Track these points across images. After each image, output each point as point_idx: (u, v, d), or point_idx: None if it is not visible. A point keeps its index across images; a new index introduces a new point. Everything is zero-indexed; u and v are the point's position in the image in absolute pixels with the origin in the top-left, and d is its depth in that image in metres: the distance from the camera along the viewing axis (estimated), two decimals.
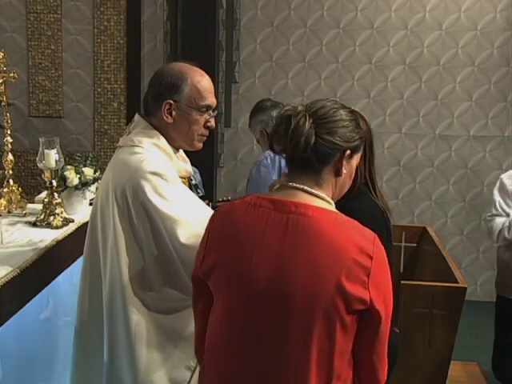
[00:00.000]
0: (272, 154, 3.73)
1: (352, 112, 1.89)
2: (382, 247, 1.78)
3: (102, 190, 2.41)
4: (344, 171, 1.85)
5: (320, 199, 1.82)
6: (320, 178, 1.83)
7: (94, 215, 2.43)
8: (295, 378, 1.74)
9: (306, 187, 1.81)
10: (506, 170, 5.83)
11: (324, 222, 1.75)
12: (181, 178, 2.50)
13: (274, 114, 3.93)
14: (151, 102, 2.41)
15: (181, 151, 2.53)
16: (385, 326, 1.78)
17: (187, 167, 2.51)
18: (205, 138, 2.47)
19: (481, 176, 5.93)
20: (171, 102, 2.36)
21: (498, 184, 3.97)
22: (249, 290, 1.78)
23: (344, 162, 1.84)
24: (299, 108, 1.82)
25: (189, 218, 2.25)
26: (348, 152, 1.83)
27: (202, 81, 2.40)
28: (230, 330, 1.83)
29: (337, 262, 1.70)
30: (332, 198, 1.86)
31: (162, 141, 2.38)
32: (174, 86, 2.37)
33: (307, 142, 1.76)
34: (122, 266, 2.30)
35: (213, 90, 2.43)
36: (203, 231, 1.97)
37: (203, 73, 2.43)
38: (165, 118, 2.37)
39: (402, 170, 5.79)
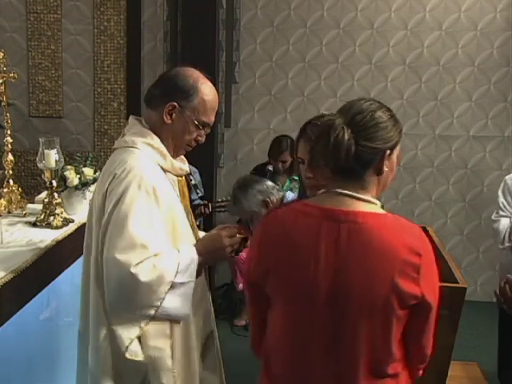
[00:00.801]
0: None
1: (388, 109, 1.93)
2: (428, 241, 1.88)
3: (95, 192, 2.45)
4: (386, 169, 1.90)
5: (366, 202, 1.89)
6: (364, 181, 1.89)
7: (89, 216, 2.46)
8: (354, 373, 1.86)
9: (352, 193, 1.87)
10: (506, 170, 5.84)
11: (374, 226, 1.83)
12: (176, 176, 2.51)
13: (269, 182, 3.85)
14: (158, 96, 2.42)
15: None
16: (434, 313, 1.91)
17: (183, 166, 2.51)
18: (189, 149, 2.49)
19: (481, 176, 5.93)
20: (176, 105, 2.37)
21: (501, 185, 3.96)
22: (307, 296, 1.86)
23: (386, 162, 1.89)
24: (336, 121, 1.84)
25: (139, 239, 2.21)
26: (388, 152, 1.88)
27: (211, 98, 2.43)
28: (291, 332, 1.92)
29: (389, 264, 1.80)
30: (377, 194, 1.94)
31: (156, 140, 2.39)
32: (186, 91, 2.38)
33: (348, 154, 1.82)
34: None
35: (216, 108, 2.47)
36: (139, 259, 2.16)
37: (214, 89, 2.46)
38: (164, 117, 2.38)
39: (402, 170, 5.79)
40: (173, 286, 2.24)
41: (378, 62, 5.82)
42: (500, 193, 3.92)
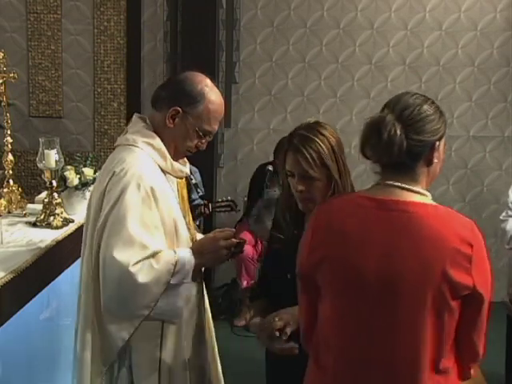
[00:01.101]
0: None
1: (432, 102, 1.97)
2: (480, 234, 1.89)
3: (94, 189, 2.46)
4: (435, 160, 1.94)
5: (418, 194, 1.92)
6: (415, 173, 1.93)
7: (87, 214, 2.46)
8: (407, 362, 1.88)
9: (403, 185, 1.91)
10: (506, 171, 5.84)
11: (424, 216, 1.87)
12: (176, 177, 2.51)
13: None
14: (164, 98, 2.40)
15: None
16: (486, 307, 1.91)
17: (183, 168, 2.50)
18: (189, 154, 2.48)
19: (481, 176, 5.93)
20: (180, 110, 2.36)
21: None
22: (360, 283, 1.90)
23: (435, 153, 1.93)
24: (387, 117, 1.87)
25: (135, 236, 2.22)
26: (437, 143, 1.92)
27: (217, 107, 2.42)
28: (342, 321, 1.95)
29: (441, 253, 1.83)
30: (427, 185, 1.98)
31: (157, 140, 2.38)
32: (192, 97, 2.37)
33: (400, 149, 1.86)
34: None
35: (220, 118, 2.45)
36: (137, 258, 2.19)
37: (221, 98, 2.44)
38: (167, 121, 2.37)
39: None
40: (168, 287, 2.25)
41: (378, 62, 5.82)
42: (510, 192, 3.89)
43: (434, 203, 1.94)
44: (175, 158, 2.45)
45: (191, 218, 2.64)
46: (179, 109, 2.36)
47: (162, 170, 2.40)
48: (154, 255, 2.23)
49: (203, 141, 2.44)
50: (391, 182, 1.93)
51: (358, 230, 1.92)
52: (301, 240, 2.05)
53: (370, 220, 1.91)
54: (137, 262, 2.19)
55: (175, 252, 2.31)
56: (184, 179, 2.61)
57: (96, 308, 2.32)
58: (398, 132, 1.85)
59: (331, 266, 1.95)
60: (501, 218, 3.90)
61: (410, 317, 1.87)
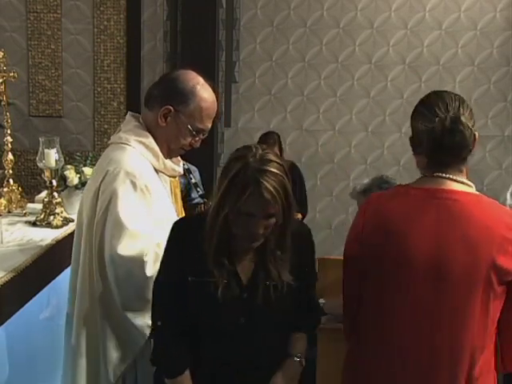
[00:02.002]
0: None
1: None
2: None
3: (87, 188, 2.47)
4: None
5: (464, 184, 2.05)
6: (462, 165, 2.07)
7: (79, 211, 2.47)
8: (451, 347, 1.95)
9: (452, 176, 2.03)
10: (506, 170, 5.84)
11: (470, 203, 1.98)
12: (169, 176, 2.51)
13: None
14: (156, 97, 2.40)
15: None
16: None
17: (176, 167, 2.50)
18: (183, 152, 2.48)
19: (481, 176, 5.93)
20: (171, 108, 2.35)
21: (510, 189, 3.90)
22: (411, 269, 1.96)
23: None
24: (462, 119, 1.98)
25: (140, 230, 2.25)
26: (476, 134, 2.03)
27: (209, 105, 2.40)
28: (390, 307, 2.01)
29: (488, 239, 1.90)
30: (467, 176, 2.11)
31: (150, 139, 2.38)
32: (183, 95, 2.35)
33: (471, 144, 2.02)
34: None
35: (213, 115, 2.43)
36: (147, 248, 2.20)
37: (213, 95, 2.42)
38: (159, 120, 2.37)
39: (402, 170, 5.79)
40: None
41: (378, 61, 5.82)
42: (508, 195, 3.88)
43: (478, 193, 2.04)
44: (169, 156, 2.45)
45: None
46: (171, 107, 2.35)
47: (155, 169, 2.40)
48: (158, 244, 2.25)
49: (196, 138, 2.43)
50: (439, 174, 2.02)
51: (406, 218, 1.99)
52: (351, 227, 2.11)
53: (418, 208, 1.99)
54: (148, 253, 2.23)
55: None
56: (177, 178, 2.61)
57: (109, 303, 2.31)
58: (472, 128, 1.99)
59: (382, 255, 2.01)
60: None
61: (457, 302, 1.93)
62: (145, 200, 2.28)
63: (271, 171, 1.89)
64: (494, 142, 5.88)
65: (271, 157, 1.93)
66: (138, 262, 2.22)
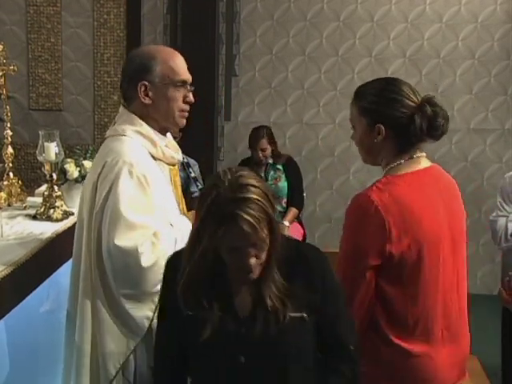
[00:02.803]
0: None
1: None
2: None
3: (86, 181, 2.47)
4: None
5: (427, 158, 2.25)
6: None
7: (80, 205, 2.47)
8: (462, 307, 2.30)
9: (423, 153, 2.23)
10: (506, 163, 5.84)
11: (443, 173, 2.29)
12: (168, 164, 2.51)
13: None
14: (127, 88, 2.42)
15: (171, 139, 2.55)
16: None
17: (174, 154, 2.51)
18: (186, 114, 2.46)
19: (481, 169, 5.93)
20: (146, 83, 2.36)
21: (500, 184, 3.91)
22: (442, 246, 2.18)
23: None
24: (438, 102, 2.22)
25: (138, 221, 2.25)
26: None
27: (173, 57, 2.41)
28: (429, 286, 2.16)
29: (459, 200, 2.35)
30: None
31: (145, 127, 2.39)
32: (144, 67, 2.36)
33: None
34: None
35: (186, 66, 2.43)
36: (143, 239, 2.21)
37: (173, 51, 2.44)
38: (142, 100, 2.37)
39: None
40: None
41: (379, 54, 5.81)
42: (498, 192, 3.89)
43: None
44: (176, 125, 2.45)
45: (185, 206, 2.65)
46: (145, 82, 2.36)
47: (154, 158, 2.41)
48: (155, 234, 2.26)
49: (185, 92, 2.42)
50: (419, 154, 2.21)
51: (421, 204, 2.13)
52: (370, 231, 2.08)
53: (427, 191, 2.17)
54: (143, 244, 2.23)
55: (172, 225, 2.36)
56: (176, 167, 2.61)
57: (107, 296, 2.32)
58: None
59: (414, 245, 2.10)
60: (490, 218, 3.85)
61: (461, 269, 2.29)
62: (143, 190, 2.29)
63: (247, 198, 1.69)
64: (494, 135, 5.88)
65: (245, 179, 1.72)
66: (134, 253, 2.22)
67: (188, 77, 2.43)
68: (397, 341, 2.13)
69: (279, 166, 5.32)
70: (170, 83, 2.38)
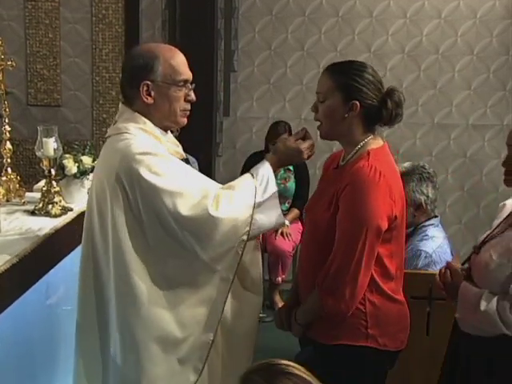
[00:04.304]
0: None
1: None
2: None
3: (95, 181, 2.43)
4: None
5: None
6: None
7: (90, 206, 2.45)
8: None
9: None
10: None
11: None
12: None
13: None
14: (127, 87, 2.41)
15: (170, 136, 2.54)
16: None
17: (177, 149, 2.52)
18: (188, 113, 2.47)
19: (479, 165, 5.93)
20: (148, 82, 2.35)
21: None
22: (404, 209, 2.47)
23: None
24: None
25: (187, 189, 2.28)
26: None
27: (175, 56, 2.40)
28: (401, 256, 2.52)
29: None
30: None
31: (149, 124, 2.38)
32: (147, 66, 2.35)
33: None
34: (126, 251, 2.31)
35: (186, 64, 2.43)
36: (203, 199, 2.24)
37: (174, 48, 2.44)
38: (144, 99, 2.36)
39: (401, 159, 5.77)
40: (257, 205, 2.32)
41: (377, 50, 5.81)
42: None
43: None
44: (176, 123, 2.46)
45: None
46: (147, 82, 2.35)
47: None
48: (226, 188, 2.34)
49: (186, 91, 2.43)
50: (378, 135, 2.47)
51: (395, 171, 2.44)
52: (379, 202, 2.30)
53: (393, 162, 2.48)
54: (212, 203, 2.26)
55: (252, 174, 2.39)
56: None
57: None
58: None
59: (402, 207, 2.42)
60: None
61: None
62: (171, 161, 2.33)
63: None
64: (492, 131, 5.87)
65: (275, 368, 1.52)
66: (206, 216, 2.25)
67: (189, 75, 2.43)
68: (388, 291, 2.44)
69: (290, 167, 5.32)
70: (172, 83, 2.37)
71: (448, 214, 5.96)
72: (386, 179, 2.30)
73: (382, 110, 2.34)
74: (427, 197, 3.49)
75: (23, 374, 2.88)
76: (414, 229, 3.51)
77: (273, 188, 2.36)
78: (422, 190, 3.48)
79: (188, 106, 2.45)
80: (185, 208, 2.24)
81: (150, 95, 2.36)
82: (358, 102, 2.33)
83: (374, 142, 2.42)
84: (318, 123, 2.46)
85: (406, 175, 3.45)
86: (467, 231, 5.94)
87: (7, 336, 2.66)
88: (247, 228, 2.30)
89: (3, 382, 2.65)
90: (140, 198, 2.27)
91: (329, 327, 2.42)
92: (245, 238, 2.31)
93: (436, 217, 3.57)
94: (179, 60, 2.40)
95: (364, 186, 2.29)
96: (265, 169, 2.39)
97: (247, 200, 2.31)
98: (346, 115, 2.34)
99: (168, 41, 5.67)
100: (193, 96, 2.45)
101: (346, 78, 2.35)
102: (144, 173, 2.25)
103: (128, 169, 2.27)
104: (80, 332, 2.51)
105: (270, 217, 2.36)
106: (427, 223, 3.52)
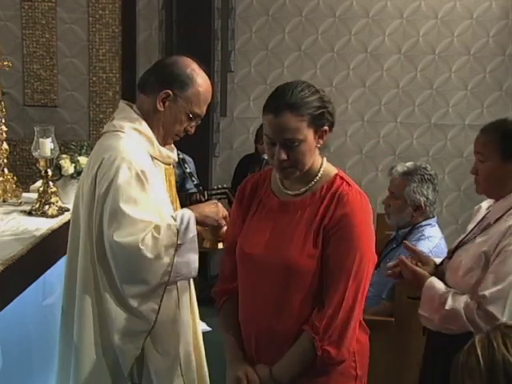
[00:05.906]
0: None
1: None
2: None
3: (83, 177, 2.46)
4: None
5: None
6: None
7: (76, 201, 2.47)
8: None
9: None
10: None
11: None
12: (164, 164, 2.51)
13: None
14: (153, 82, 2.41)
15: None
16: None
17: (170, 154, 2.52)
18: (177, 139, 2.50)
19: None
20: (170, 93, 2.37)
21: None
22: None
23: None
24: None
25: (138, 217, 2.27)
26: None
27: (206, 91, 2.44)
28: None
29: None
30: None
31: (144, 125, 2.40)
32: (182, 81, 2.39)
33: None
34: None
35: (209, 101, 2.47)
36: (144, 234, 2.23)
37: (209, 81, 2.47)
38: (158, 104, 2.38)
39: (398, 160, 5.78)
40: (178, 247, 2.29)
41: (374, 50, 5.81)
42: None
43: None
44: (164, 142, 2.47)
45: (179, 205, 2.65)
46: (170, 92, 2.37)
47: (150, 156, 2.41)
48: (155, 226, 2.28)
49: (192, 124, 2.46)
50: None
51: None
52: (371, 234, 2.18)
53: None
54: (144, 238, 2.24)
55: (173, 217, 2.35)
56: (172, 166, 2.62)
57: (113, 291, 2.33)
58: None
59: None
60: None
61: None
62: (142, 185, 2.30)
63: None
64: None
65: None
66: (135, 248, 2.23)
67: (203, 113, 2.47)
68: (362, 321, 2.26)
69: None
70: (187, 109, 2.41)
71: (445, 214, 5.97)
72: (369, 204, 2.22)
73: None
74: (427, 198, 3.50)
75: (20, 374, 2.88)
76: (411, 229, 3.53)
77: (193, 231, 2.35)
78: (423, 191, 3.49)
79: (182, 134, 2.49)
80: (120, 233, 2.25)
81: (164, 103, 2.39)
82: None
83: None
84: None
85: (407, 175, 3.47)
86: (464, 231, 5.93)
87: (4, 336, 2.66)
88: (169, 268, 2.28)
89: (1, 381, 2.65)
90: (97, 206, 2.31)
91: (315, 375, 2.16)
92: (166, 279, 2.29)
93: (433, 217, 3.59)
94: (207, 96, 2.45)
95: (362, 217, 2.14)
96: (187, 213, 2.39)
97: (171, 240, 2.29)
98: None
99: (165, 41, 5.68)
100: (192, 131, 2.48)
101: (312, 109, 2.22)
102: (113, 185, 2.27)
103: (103, 171, 2.30)
104: (64, 317, 2.54)
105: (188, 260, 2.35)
106: (424, 223, 3.53)
